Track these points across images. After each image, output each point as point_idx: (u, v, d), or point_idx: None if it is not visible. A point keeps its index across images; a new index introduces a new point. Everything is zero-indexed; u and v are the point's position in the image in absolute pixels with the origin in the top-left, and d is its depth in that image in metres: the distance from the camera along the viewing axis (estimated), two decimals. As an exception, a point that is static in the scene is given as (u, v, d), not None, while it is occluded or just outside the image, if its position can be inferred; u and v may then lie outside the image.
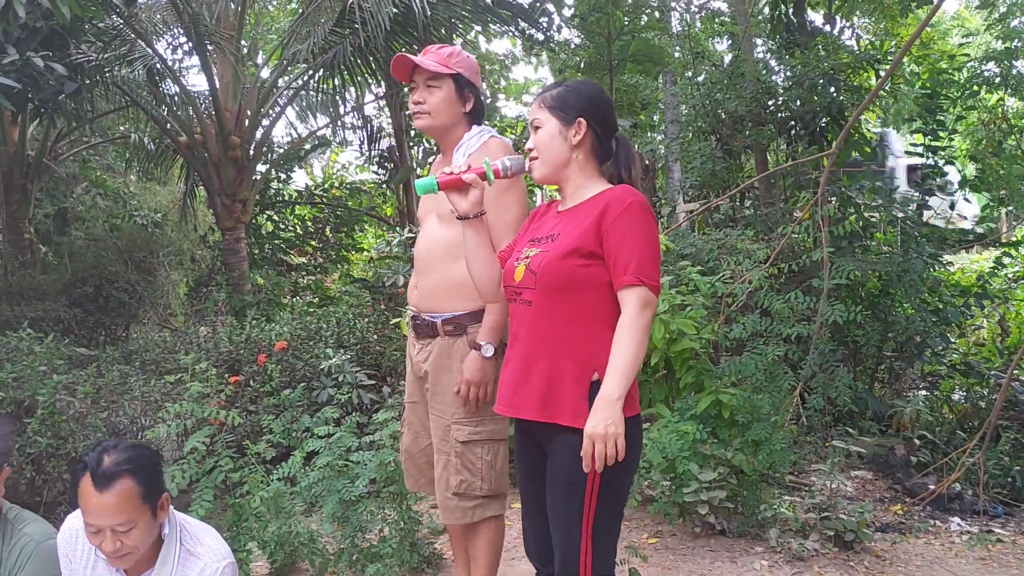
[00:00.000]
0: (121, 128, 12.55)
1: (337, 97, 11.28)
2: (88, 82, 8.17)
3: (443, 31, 9.63)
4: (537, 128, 2.49)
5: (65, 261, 11.54)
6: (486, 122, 3.23)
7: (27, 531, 2.66)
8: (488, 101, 13.80)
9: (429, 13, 8.21)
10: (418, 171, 12.31)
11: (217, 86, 9.29)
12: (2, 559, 2.63)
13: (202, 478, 3.80)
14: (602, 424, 2.21)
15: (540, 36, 10.92)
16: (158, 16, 9.99)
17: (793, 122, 8.32)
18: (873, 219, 7.42)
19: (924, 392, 7.32)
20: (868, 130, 10.29)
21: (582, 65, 13.37)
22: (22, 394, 4.79)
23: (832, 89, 7.87)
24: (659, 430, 4.56)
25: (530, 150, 2.51)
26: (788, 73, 8.36)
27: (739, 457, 4.40)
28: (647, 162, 9.96)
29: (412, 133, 14.15)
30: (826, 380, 5.57)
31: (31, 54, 6.10)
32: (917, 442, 6.04)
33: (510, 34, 11.98)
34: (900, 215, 7.18)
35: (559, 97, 2.49)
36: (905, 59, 9.40)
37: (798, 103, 8.01)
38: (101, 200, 13.30)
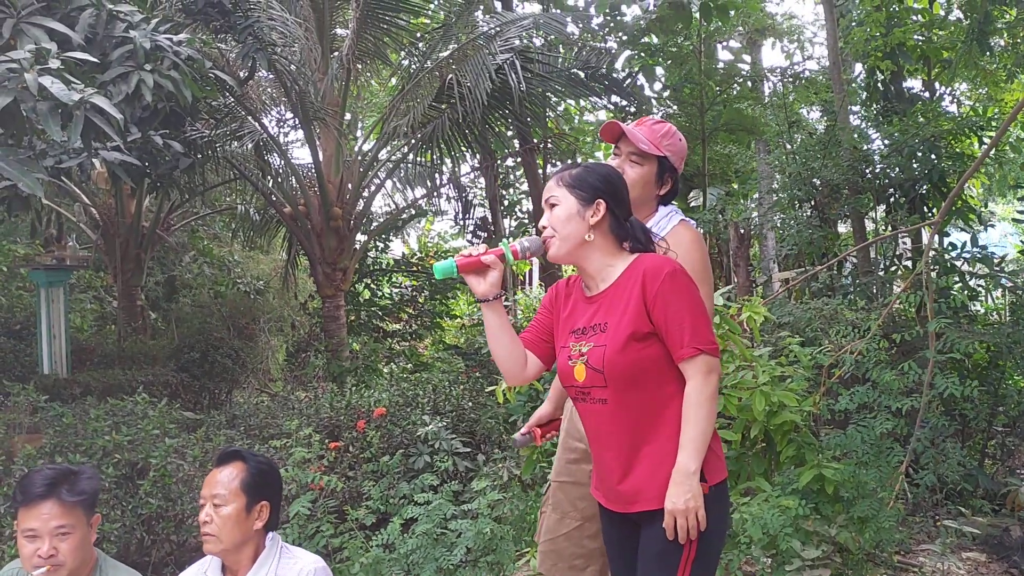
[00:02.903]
0: (228, 199, 13.12)
1: (434, 169, 11.59)
2: (200, 157, 8.61)
3: (537, 104, 9.87)
4: (553, 206, 2.45)
5: (172, 327, 12.03)
6: (674, 205, 3.11)
7: None
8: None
9: (524, 88, 8.43)
10: (510, 240, 12.48)
11: (320, 159, 9.67)
12: None
13: (304, 543, 3.88)
14: (682, 499, 2.24)
15: (632, 108, 11.04)
16: (266, 94, 10.51)
17: (892, 190, 8.19)
18: (979, 289, 7.20)
19: (1040, 470, 6.97)
20: (971, 197, 10.05)
21: (674, 134, 13.44)
22: (136, 456, 4.98)
23: (933, 156, 7.73)
24: (759, 504, 4.46)
25: (543, 228, 2.47)
26: (886, 140, 8.26)
27: (844, 534, 4.27)
28: (742, 231, 9.91)
29: (505, 203, 14.42)
30: (936, 455, 5.38)
31: (152, 133, 6.48)
32: (1034, 523, 5.74)
33: (603, 107, 12.17)
34: (1009, 284, 6.95)
35: (578, 176, 2.45)
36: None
37: (897, 170, 7.90)
38: (207, 268, 13.89)
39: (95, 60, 4.34)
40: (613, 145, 3.01)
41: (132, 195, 10.76)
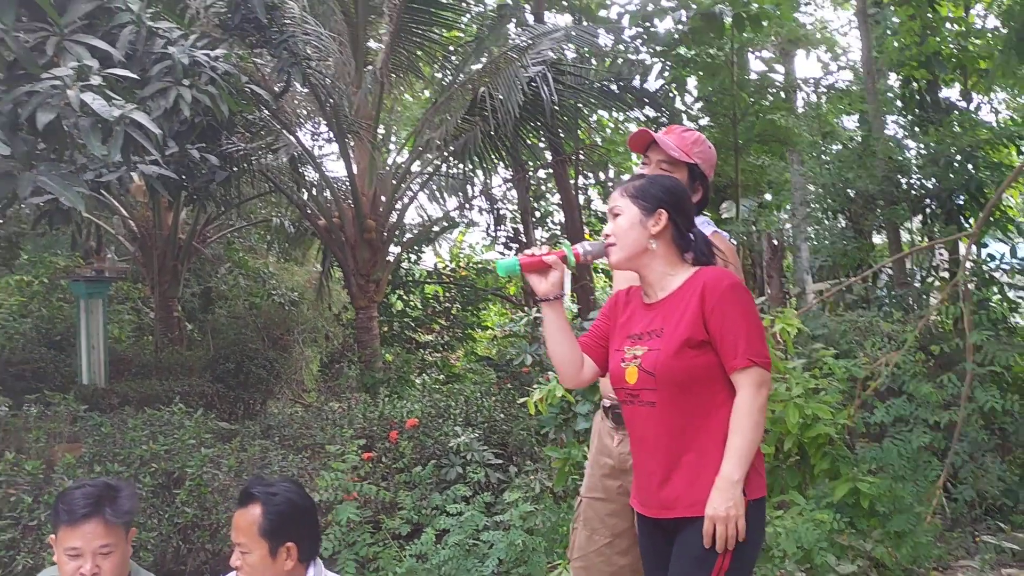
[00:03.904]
0: (263, 212, 13.26)
1: (466, 181, 11.65)
2: (236, 170, 8.70)
3: (569, 116, 9.88)
4: (616, 215, 2.53)
5: (208, 338, 12.16)
6: (708, 217, 3.13)
7: None
8: (611, 184, 13.97)
9: (556, 100, 8.45)
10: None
11: (354, 171, 9.75)
12: None
13: (344, 551, 3.91)
14: (723, 506, 2.27)
15: (664, 119, 11.03)
16: (301, 107, 10.63)
17: (928, 200, 8.11)
18: (1019, 300, 7.10)
19: (1082, 485, 6.83)
20: (1010, 207, 9.91)
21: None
22: (172, 466, 5.05)
23: (970, 166, 7.64)
24: (793, 518, 4.42)
25: (607, 236, 2.54)
26: (922, 150, 8.19)
27: (879, 549, 4.22)
28: (775, 242, 9.85)
29: (537, 215, 14.45)
30: (975, 470, 5.30)
31: (189, 146, 6.58)
32: (1076, 539, 5.63)
33: (635, 118, 12.15)
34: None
35: (641, 188, 2.53)
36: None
37: (933, 181, 7.82)
38: (243, 280, 14.04)
39: (135, 76, 4.42)
40: (642, 156, 3.02)
41: (169, 208, 10.91)
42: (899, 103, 9.30)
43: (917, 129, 8.61)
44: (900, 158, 8.16)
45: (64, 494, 2.69)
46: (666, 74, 11.34)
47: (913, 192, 8.13)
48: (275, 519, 2.54)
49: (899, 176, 8.03)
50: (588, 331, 2.68)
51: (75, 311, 10.21)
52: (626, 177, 2.79)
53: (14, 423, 5.63)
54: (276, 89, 8.29)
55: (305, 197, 10.56)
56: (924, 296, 7.78)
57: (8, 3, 3.75)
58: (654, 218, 2.49)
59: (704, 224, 2.98)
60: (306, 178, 10.55)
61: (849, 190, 8.19)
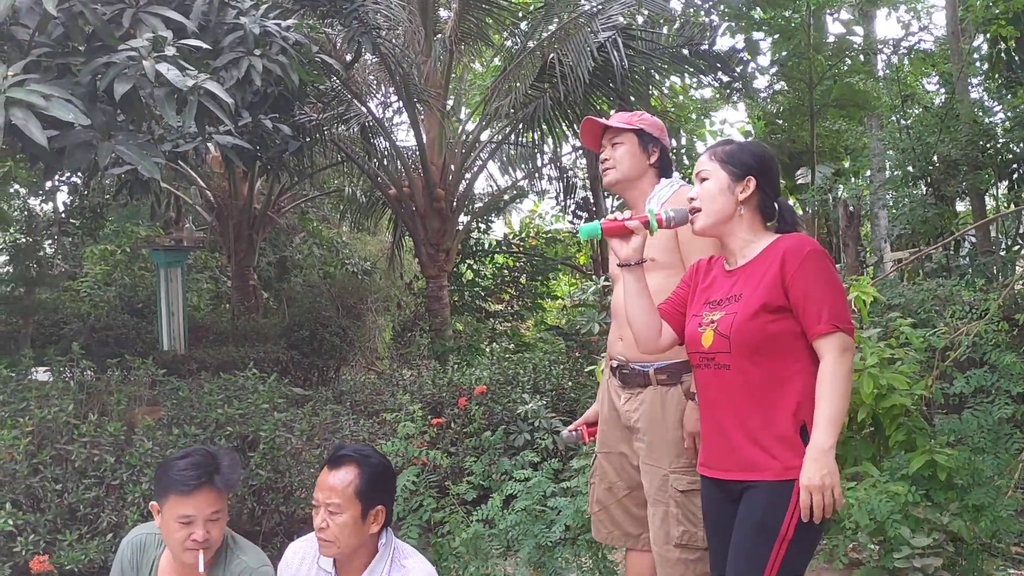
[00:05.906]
0: (336, 182, 13.43)
1: (535, 150, 11.60)
2: (309, 140, 8.80)
3: (640, 82, 9.73)
4: (704, 179, 2.51)
5: (283, 306, 12.42)
6: (677, 174, 3.26)
7: (244, 558, 2.83)
8: (683, 150, 13.77)
9: (627, 66, 8.33)
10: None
11: (424, 141, 9.78)
12: None
13: (408, 515, 3.96)
14: (818, 475, 2.23)
15: (738, 84, 10.79)
16: (371, 77, 10.69)
17: (1016, 165, 7.82)
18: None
19: None
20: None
21: (781, 110, 13.12)
22: (247, 429, 5.15)
23: (1061, 130, 7.35)
24: (866, 490, 4.33)
25: (692, 199, 2.53)
26: (1009, 113, 7.88)
27: (957, 522, 4.11)
28: (851, 209, 9.61)
29: (607, 182, 14.34)
30: (1058, 443, 5.11)
31: (262, 117, 6.67)
32: None
33: (707, 83, 11.93)
34: None
35: (731, 153, 2.51)
36: None
37: (1022, 145, 7.53)
38: (317, 249, 14.28)
39: (208, 47, 4.47)
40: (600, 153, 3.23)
41: (244, 178, 11.12)
42: (985, 64, 8.94)
43: (1005, 91, 8.26)
44: (986, 121, 7.88)
45: (169, 464, 2.74)
46: (734, 35, 11.07)
47: (999, 157, 7.85)
48: (372, 480, 2.60)
49: (984, 140, 7.75)
50: (668, 298, 2.69)
51: (156, 279, 10.51)
52: (713, 142, 2.85)
53: (97, 386, 5.80)
54: (346, 59, 8.35)
55: (376, 167, 10.64)
56: (1009, 264, 7.51)
57: (85, -24, 3.83)
58: (742, 184, 2.48)
59: (675, 181, 3.11)
60: (377, 148, 10.62)
61: (931, 155, 7.94)
